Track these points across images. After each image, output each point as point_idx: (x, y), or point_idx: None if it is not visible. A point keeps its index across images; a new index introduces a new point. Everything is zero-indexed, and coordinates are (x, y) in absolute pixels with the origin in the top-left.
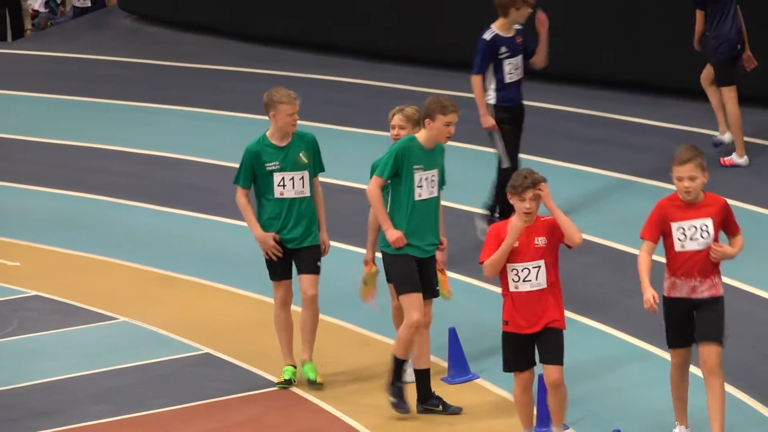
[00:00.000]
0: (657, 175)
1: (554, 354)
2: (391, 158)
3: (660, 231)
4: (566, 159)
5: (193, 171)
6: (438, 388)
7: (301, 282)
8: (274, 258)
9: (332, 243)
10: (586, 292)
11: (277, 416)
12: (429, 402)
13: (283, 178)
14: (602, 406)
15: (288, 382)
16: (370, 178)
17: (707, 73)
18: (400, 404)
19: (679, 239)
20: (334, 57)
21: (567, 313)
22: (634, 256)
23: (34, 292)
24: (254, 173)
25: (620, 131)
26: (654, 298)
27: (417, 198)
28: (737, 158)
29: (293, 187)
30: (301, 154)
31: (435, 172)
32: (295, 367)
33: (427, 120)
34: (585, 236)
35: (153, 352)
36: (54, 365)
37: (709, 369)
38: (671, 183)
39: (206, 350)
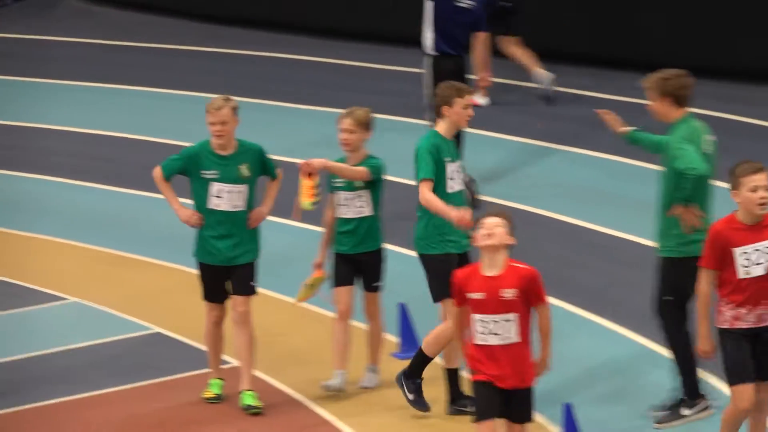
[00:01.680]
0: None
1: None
2: (427, 156)
3: (722, 258)
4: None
5: (144, 151)
6: (389, 363)
7: (233, 300)
8: (198, 226)
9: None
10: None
11: (229, 393)
12: (459, 402)
13: (220, 190)
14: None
15: (218, 397)
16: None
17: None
18: (419, 401)
19: (744, 265)
20: (290, 35)
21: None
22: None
23: None
24: (183, 173)
25: None
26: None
27: (450, 191)
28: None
29: (229, 201)
30: (242, 167)
31: (460, 162)
32: (222, 380)
33: (444, 108)
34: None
35: (104, 331)
36: (5, 346)
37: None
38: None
39: (157, 329)
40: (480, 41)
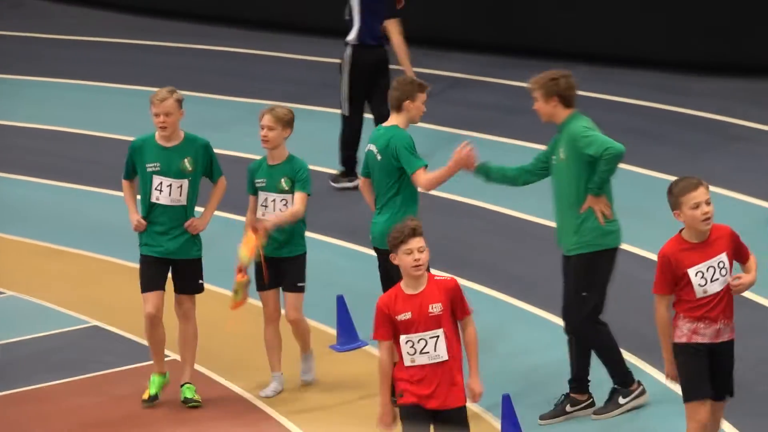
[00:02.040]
0: None
1: None
2: (413, 146)
3: (675, 282)
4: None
5: (78, 144)
6: (326, 356)
7: (177, 297)
8: (141, 231)
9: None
10: (476, 258)
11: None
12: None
13: (161, 183)
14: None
15: (154, 398)
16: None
17: None
18: None
19: (700, 285)
20: (219, 28)
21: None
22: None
23: None
24: (134, 169)
25: None
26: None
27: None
28: None
29: (169, 194)
30: (185, 161)
31: None
32: (163, 375)
33: (407, 102)
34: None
35: (41, 325)
36: None
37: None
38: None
39: (94, 323)
40: (395, 28)
